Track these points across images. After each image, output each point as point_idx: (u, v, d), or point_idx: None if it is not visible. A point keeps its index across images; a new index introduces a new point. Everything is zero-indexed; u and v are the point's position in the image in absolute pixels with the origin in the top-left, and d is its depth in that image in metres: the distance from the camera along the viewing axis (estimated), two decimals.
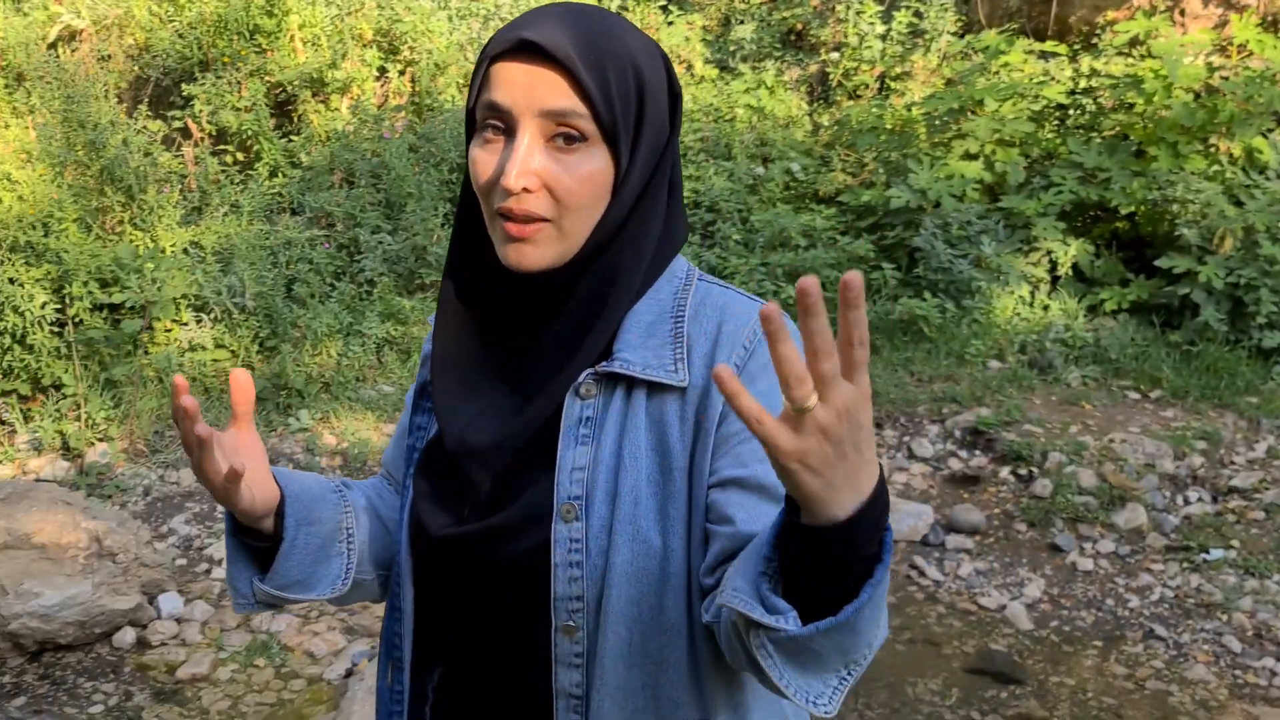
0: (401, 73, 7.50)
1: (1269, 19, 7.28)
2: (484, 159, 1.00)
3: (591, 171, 0.98)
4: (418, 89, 7.33)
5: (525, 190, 0.96)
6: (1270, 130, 6.56)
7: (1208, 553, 4.41)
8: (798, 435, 0.71)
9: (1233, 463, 5.01)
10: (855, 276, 0.68)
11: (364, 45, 7.55)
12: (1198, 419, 5.35)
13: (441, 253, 5.84)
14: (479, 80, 1.01)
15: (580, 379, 1.03)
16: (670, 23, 8.55)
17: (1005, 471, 4.99)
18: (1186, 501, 4.78)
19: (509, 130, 0.98)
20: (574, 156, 0.98)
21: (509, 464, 1.04)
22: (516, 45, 0.96)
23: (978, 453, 5.19)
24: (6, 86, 7.15)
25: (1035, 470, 4.91)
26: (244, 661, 3.47)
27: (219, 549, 4.17)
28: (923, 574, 4.31)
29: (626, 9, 8.72)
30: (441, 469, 1.10)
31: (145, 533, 3.82)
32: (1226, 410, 5.46)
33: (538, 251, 0.99)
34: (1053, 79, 7.28)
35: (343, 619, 3.76)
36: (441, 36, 7.63)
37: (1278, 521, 4.58)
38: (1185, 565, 4.36)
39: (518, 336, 1.07)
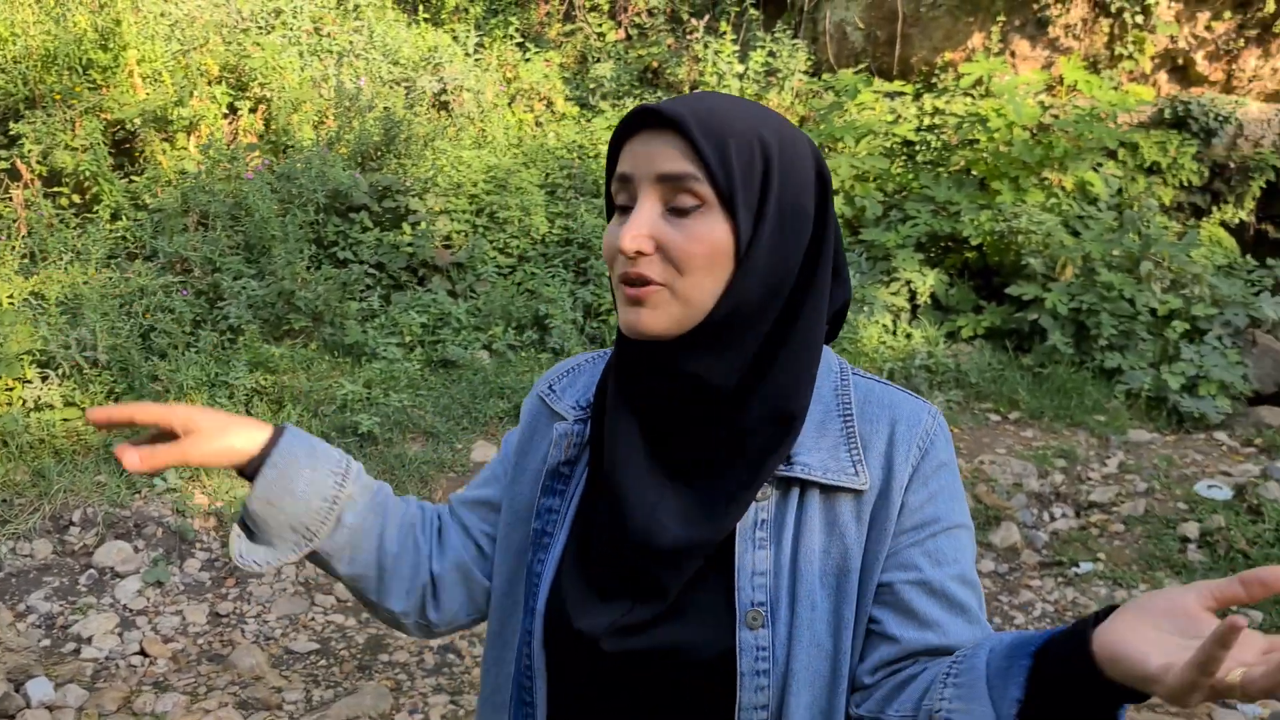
0: (253, 110, 7.22)
1: (1090, 59, 7.83)
2: (610, 232, 1.02)
3: (705, 235, 0.98)
4: (273, 127, 7.06)
5: (640, 253, 0.97)
6: (1099, 164, 7.04)
7: (1078, 566, 4.64)
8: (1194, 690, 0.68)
9: (1089, 478, 5.30)
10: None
11: (210, 82, 7.23)
12: (1055, 438, 5.64)
13: (311, 297, 5.62)
14: (614, 164, 1.04)
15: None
16: (528, 59, 8.54)
17: None
18: (1053, 518, 5.02)
19: (633, 202, 1.00)
20: (689, 220, 0.98)
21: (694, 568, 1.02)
22: (637, 118, 1.00)
23: None
24: None
25: None
26: None
27: (86, 625, 3.86)
28: None
29: (483, 46, 8.66)
30: (603, 562, 1.05)
31: (5, 613, 3.49)
32: (1079, 428, 5.79)
33: (653, 315, 0.99)
34: (900, 117, 7.62)
35: (234, 693, 3.53)
36: (293, 73, 7.39)
37: (1136, 533, 4.86)
38: (1060, 580, 4.57)
39: (693, 433, 1.04)
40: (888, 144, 7.34)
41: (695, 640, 1.00)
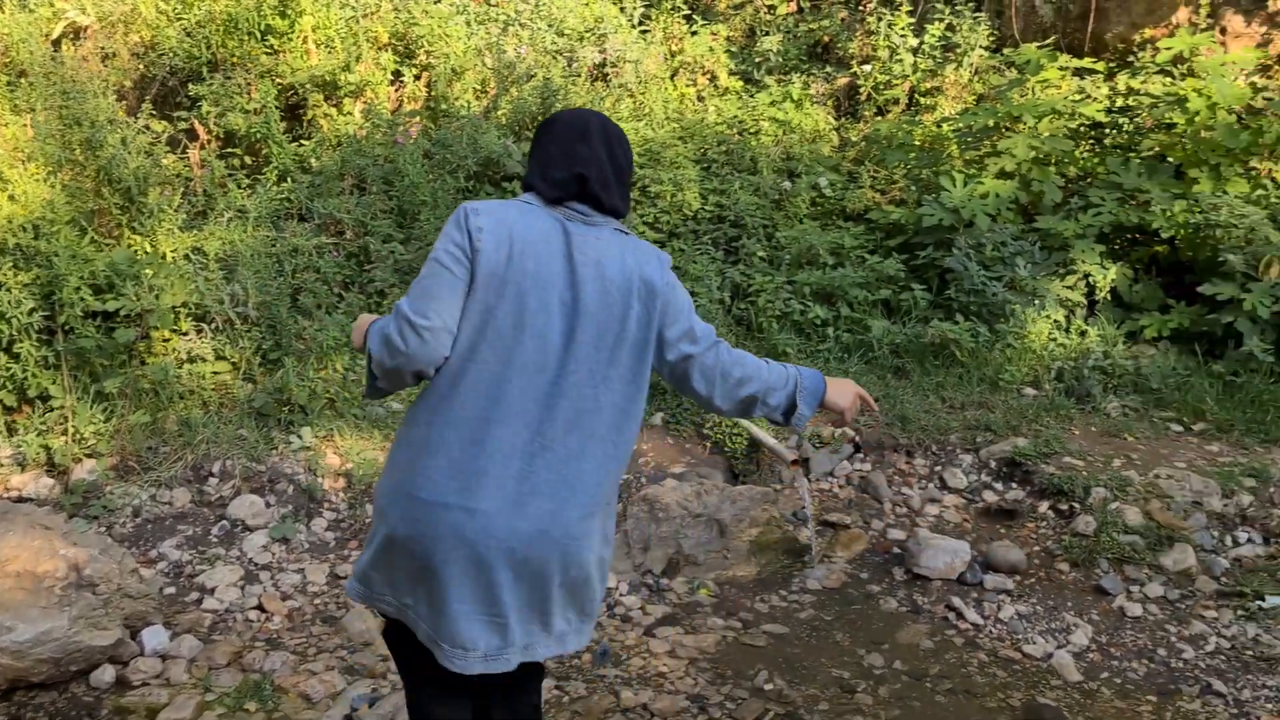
0: (417, 77, 7.27)
1: None
2: None
3: None
4: (433, 94, 7.10)
5: None
6: None
7: (1263, 600, 4.13)
8: None
9: None
10: None
11: (379, 48, 7.32)
12: (1244, 455, 5.07)
13: None
14: None
15: None
16: (694, 32, 8.32)
17: (1044, 506, 4.72)
18: (1236, 542, 4.50)
19: None
20: None
21: None
22: None
23: (1014, 485, 4.93)
24: (9, 83, 6.93)
25: (1077, 506, 4.64)
26: (233, 705, 3.20)
27: (211, 576, 3.92)
28: (961, 616, 4.03)
29: (650, 18, 8.49)
30: None
31: (130, 560, 3.56)
32: (1274, 446, 5.19)
33: None
34: (1089, 96, 7.03)
35: (342, 657, 3.50)
36: (459, 41, 7.40)
37: None
38: (1240, 613, 4.08)
39: None
40: (1072, 125, 6.78)
41: None
